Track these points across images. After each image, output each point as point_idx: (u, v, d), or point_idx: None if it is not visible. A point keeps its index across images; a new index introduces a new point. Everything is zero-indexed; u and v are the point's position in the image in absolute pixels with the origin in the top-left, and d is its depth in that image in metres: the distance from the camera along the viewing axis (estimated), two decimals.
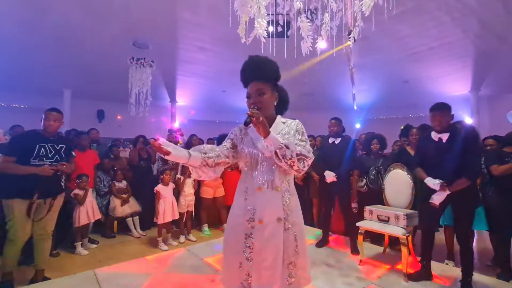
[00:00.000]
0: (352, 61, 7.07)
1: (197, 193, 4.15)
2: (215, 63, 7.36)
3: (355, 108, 8.99)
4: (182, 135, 6.18)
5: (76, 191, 3.43)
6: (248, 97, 1.35)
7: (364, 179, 3.59)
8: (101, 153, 4.32)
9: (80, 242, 3.46)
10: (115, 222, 4.13)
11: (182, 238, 3.91)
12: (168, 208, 3.69)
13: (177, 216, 3.78)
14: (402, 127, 3.57)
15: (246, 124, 1.22)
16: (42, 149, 2.57)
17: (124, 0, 4.43)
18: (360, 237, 3.01)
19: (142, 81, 6.80)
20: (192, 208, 3.96)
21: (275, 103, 1.41)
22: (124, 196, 4.05)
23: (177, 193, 3.97)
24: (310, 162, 1.28)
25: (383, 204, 3.23)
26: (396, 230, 2.74)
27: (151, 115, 9.66)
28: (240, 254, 1.28)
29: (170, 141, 1.24)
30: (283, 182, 1.32)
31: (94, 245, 3.65)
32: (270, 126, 1.31)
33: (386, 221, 2.89)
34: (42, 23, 4.97)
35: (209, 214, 4.33)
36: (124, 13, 4.81)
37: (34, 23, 4.96)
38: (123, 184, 4.12)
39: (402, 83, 8.18)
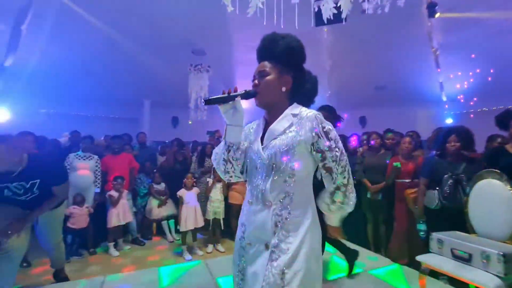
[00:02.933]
0: (436, 40, 5.49)
1: (227, 199, 3.67)
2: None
3: (444, 99, 7.05)
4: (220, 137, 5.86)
5: (111, 192, 3.40)
6: (253, 79, 1.09)
7: (435, 192, 2.42)
8: (146, 156, 4.31)
9: (113, 243, 3.40)
10: (154, 224, 4.02)
11: (210, 248, 3.48)
12: (190, 215, 3.31)
13: (200, 224, 3.37)
14: (498, 115, 2.27)
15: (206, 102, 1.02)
16: None
17: (181, 11, 4.46)
18: (421, 280, 1.97)
19: (200, 86, 6.86)
20: (220, 215, 3.49)
21: (285, 89, 1.06)
22: (162, 198, 3.90)
23: (206, 198, 3.58)
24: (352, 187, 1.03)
25: (464, 231, 2.08)
26: (484, 278, 1.63)
27: (218, 118, 9.83)
28: (235, 278, 1.09)
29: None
30: (279, 195, 0.98)
31: (128, 247, 3.56)
32: (276, 117, 1.06)
33: (466, 260, 1.79)
34: (118, 45, 5.45)
35: None
36: (183, 23, 4.84)
37: (113, 45, 5.48)
38: (161, 186, 3.97)
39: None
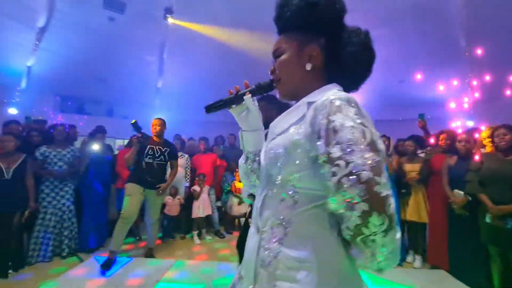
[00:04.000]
0: None
1: None
2: (380, 50, 5.84)
3: None
4: None
5: (195, 187, 3.83)
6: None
7: None
8: (234, 156, 4.60)
9: (196, 232, 3.80)
10: (236, 220, 4.23)
11: None
12: None
13: None
14: None
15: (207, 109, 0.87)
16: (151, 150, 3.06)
17: None
18: None
19: None
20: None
21: (311, 66, 0.76)
22: (241, 196, 4.05)
23: None
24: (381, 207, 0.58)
25: None
26: None
27: None
28: None
29: None
30: (270, 220, 0.70)
31: (210, 237, 3.89)
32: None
33: None
34: (229, 53, 6.13)
35: None
36: None
37: (225, 54, 6.24)
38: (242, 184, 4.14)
39: None
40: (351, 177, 0.58)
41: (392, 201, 0.60)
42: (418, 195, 3.16)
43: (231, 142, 5.01)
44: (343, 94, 0.67)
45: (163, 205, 3.57)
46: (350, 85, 0.81)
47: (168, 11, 5.94)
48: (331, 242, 0.66)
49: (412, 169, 3.20)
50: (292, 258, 0.65)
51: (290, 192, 0.69)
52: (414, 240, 3.26)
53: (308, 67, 0.76)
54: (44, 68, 6.67)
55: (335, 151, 0.60)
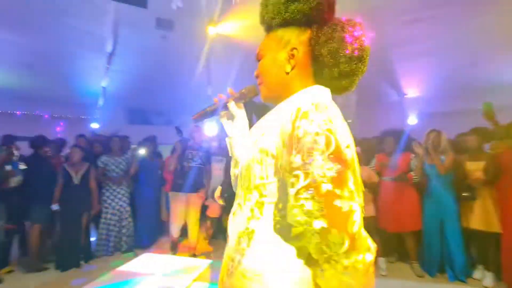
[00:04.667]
0: None
1: None
2: (442, 31, 5.09)
3: None
4: None
5: None
6: None
7: None
8: None
9: None
10: None
11: None
12: None
13: None
14: None
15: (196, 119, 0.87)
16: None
17: None
18: None
19: None
20: None
21: (291, 67, 0.73)
22: None
23: None
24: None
25: None
26: None
27: (380, 112, 8.60)
28: None
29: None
30: (238, 229, 0.70)
31: None
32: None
33: None
34: None
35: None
36: None
37: None
38: None
39: None
40: (309, 190, 0.53)
41: (357, 218, 0.52)
42: (485, 200, 2.64)
43: None
44: (316, 99, 0.63)
45: (205, 207, 3.74)
46: (337, 84, 0.74)
47: (212, 22, 6.24)
48: (292, 258, 0.61)
49: (476, 167, 2.69)
50: (250, 270, 0.62)
51: (258, 201, 0.66)
52: (484, 253, 2.73)
53: (288, 68, 0.72)
54: (115, 86, 7.70)
55: (296, 161, 0.55)
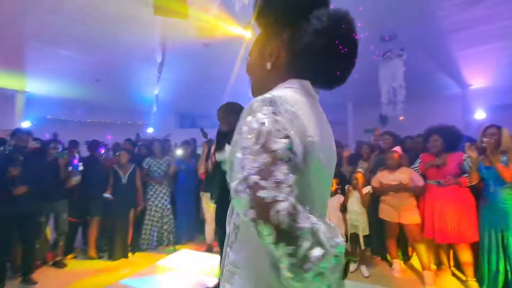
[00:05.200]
0: None
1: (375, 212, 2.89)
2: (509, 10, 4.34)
3: None
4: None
5: None
6: None
7: None
8: None
9: None
10: None
11: (351, 266, 2.91)
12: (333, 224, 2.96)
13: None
14: None
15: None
16: None
17: None
18: None
19: (392, 75, 5.77)
20: (360, 231, 2.82)
21: (270, 64, 0.75)
22: None
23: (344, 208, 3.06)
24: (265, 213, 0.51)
25: None
26: None
27: (437, 107, 7.74)
28: None
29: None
30: (230, 226, 0.73)
31: None
32: None
33: None
34: None
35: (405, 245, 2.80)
36: (371, 9, 4.37)
37: None
38: None
39: None
40: (243, 183, 0.54)
41: (282, 208, 0.50)
42: None
43: None
44: (270, 94, 0.64)
45: None
46: (322, 79, 0.75)
47: (248, 27, 6.33)
48: (265, 252, 0.62)
49: None
50: (233, 262, 0.67)
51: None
52: None
53: (268, 66, 0.74)
54: (166, 93, 8.34)
55: (238, 156, 0.58)
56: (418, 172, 2.82)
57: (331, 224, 0.70)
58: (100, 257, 3.45)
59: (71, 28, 4.27)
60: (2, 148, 2.75)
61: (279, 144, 0.56)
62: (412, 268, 3.02)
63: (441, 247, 2.83)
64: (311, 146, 0.63)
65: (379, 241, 3.01)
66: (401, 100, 5.65)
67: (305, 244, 0.50)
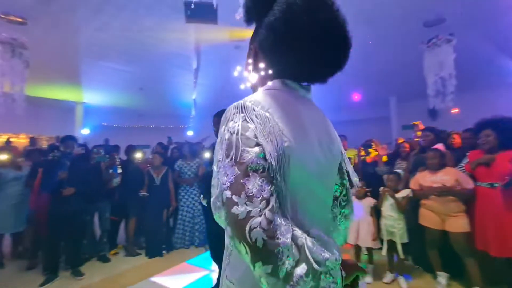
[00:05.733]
0: None
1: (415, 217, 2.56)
2: None
3: None
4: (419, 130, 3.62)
5: None
6: None
7: None
8: None
9: None
10: None
11: (388, 276, 2.63)
12: (363, 229, 2.72)
13: (372, 244, 2.64)
14: None
15: None
16: None
17: None
18: None
19: (440, 63, 5.12)
20: (398, 238, 2.52)
21: (251, 66, 0.75)
22: None
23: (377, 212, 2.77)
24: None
25: None
26: None
27: (497, 96, 6.74)
28: None
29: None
30: (227, 243, 0.68)
31: None
32: None
33: None
34: None
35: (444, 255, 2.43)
36: None
37: None
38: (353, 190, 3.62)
39: None
40: (219, 198, 0.53)
41: (255, 224, 0.47)
42: None
43: (342, 143, 4.50)
44: (244, 99, 0.62)
45: None
46: (302, 72, 0.69)
47: None
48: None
49: None
50: (229, 277, 0.65)
51: None
52: None
53: (250, 67, 0.74)
54: (203, 98, 8.64)
55: (214, 169, 0.57)
56: (464, 172, 2.43)
57: (325, 237, 0.62)
58: (138, 254, 3.67)
59: (117, 43, 4.66)
60: (52, 155, 3.08)
61: (250, 154, 0.53)
62: (462, 283, 2.62)
63: (497, 261, 2.39)
64: (288, 151, 0.57)
65: (421, 249, 2.66)
66: (451, 91, 4.99)
67: (287, 262, 0.46)
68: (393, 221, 2.57)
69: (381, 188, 2.74)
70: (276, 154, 0.54)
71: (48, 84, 6.86)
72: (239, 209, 0.48)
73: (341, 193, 0.82)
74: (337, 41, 0.66)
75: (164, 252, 3.66)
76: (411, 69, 5.97)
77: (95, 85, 7.12)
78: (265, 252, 0.46)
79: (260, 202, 0.48)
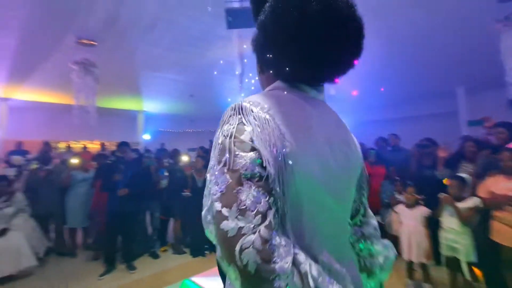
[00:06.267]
0: None
1: (485, 232, 2.09)
2: None
3: None
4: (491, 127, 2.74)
5: None
6: None
7: None
8: (397, 160, 3.67)
9: None
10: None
11: None
12: (414, 241, 2.35)
13: (424, 258, 2.26)
14: None
15: None
16: None
17: None
18: None
19: None
20: (462, 256, 2.09)
21: (260, 71, 0.73)
22: None
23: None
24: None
25: None
26: None
27: None
28: None
29: None
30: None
31: None
32: None
33: None
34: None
35: None
36: None
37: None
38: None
39: None
40: (210, 211, 0.49)
41: (247, 243, 0.40)
42: None
43: (394, 143, 4.02)
44: (243, 100, 0.58)
45: None
46: (304, 71, 0.62)
47: None
48: None
49: None
50: None
51: None
52: None
53: (258, 69, 0.73)
54: None
55: (207, 177, 0.53)
56: None
57: (337, 265, 0.50)
58: (184, 252, 3.84)
59: (168, 55, 5.02)
60: (109, 159, 3.42)
61: (244, 160, 0.46)
62: None
63: None
64: (291, 157, 0.48)
65: (495, 270, 2.18)
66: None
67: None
68: (455, 234, 2.14)
69: (440, 195, 2.32)
70: (275, 160, 0.46)
71: (114, 96, 7.76)
72: (229, 225, 0.41)
73: (358, 211, 0.68)
74: (336, 36, 0.55)
75: (206, 252, 3.76)
76: (482, 54, 5.06)
77: (153, 94, 7.80)
78: (258, 279, 0.38)
79: (255, 217, 0.41)
